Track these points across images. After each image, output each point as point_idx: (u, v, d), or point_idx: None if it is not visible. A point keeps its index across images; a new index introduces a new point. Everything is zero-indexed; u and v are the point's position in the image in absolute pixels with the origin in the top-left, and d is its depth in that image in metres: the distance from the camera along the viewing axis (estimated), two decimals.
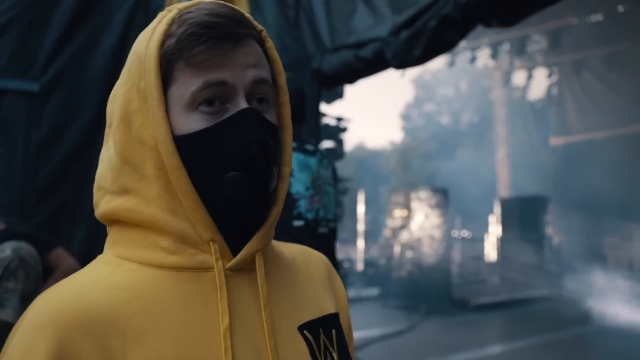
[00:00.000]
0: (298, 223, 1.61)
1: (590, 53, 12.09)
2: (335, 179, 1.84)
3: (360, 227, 12.57)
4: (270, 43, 0.62)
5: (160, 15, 0.59)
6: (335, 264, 1.83)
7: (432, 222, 9.12)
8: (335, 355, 0.61)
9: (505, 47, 11.91)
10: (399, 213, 9.32)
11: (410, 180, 18.28)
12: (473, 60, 12.01)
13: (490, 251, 12.85)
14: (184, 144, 0.54)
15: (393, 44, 2.52)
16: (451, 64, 12.00)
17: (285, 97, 0.63)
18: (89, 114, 3.02)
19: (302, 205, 1.59)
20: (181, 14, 0.56)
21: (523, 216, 11.47)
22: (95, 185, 0.62)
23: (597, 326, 7.35)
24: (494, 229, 12.83)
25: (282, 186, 0.61)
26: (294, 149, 1.69)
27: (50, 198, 2.86)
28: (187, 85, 0.54)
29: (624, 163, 11.78)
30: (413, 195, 9.17)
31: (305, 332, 0.59)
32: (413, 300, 8.36)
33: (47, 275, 1.87)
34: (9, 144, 2.76)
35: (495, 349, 6.26)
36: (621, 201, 11.42)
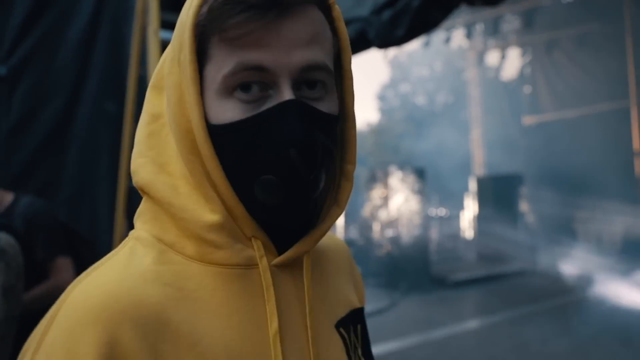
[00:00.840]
0: None
1: (562, 33, 12.28)
2: None
3: None
4: (337, 12, 0.51)
5: None
6: None
7: (409, 201, 9.23)
8: (359, 352, 0.58)
9: (480, 27, 11.97)
10: (377, 193, 9.40)
11: (388, 160, 18.42)
12: (448, 40, 12.05)
13: (467, 229, 13.14)
14: (217, 134, 0.47)
15: (375, 23, 2.49)
16: (426, 44, 12.00)
17: (349, 82, 0.52)
18: (61, 98, 2.91)
19: None
20: None
21: (498, 194, 11.73)
22: (134, 149, 0.53)
23: (571, 298, 7.64)
24: (470, 207, 13.08)
25: (346, 186, 0.54)
26: None
27: (24, 186, 2.76)
28: (220, 65, 0.46)
29: (595, 141, 12.12)
30: (391, 175, 9.25)
31: (341, 329, 0.56)
32: (393, 279, 8.51)
33: (40, 276, 1.83)
34: None
35: (474, 323, 6.45)
36: (592, 178, 11.77)
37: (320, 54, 0.47)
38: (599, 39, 11.70)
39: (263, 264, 0.49)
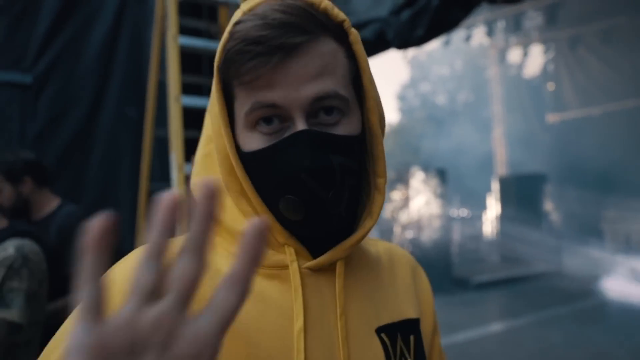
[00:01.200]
0: None
1: (586, 28, 11.98)
2: None
3: None
4: (354, 36, 0.54)
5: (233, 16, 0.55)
6: None
7: (430, 202, 9.13)
8: None
9: (501, 24, 11.77)
10: (397, 194, 9.32)
11: (408, 161, 18.28)
12: (468, 38, 11.88)
13: (489, 229, 12.92)
14: (246, 160, 0.54)
15: (394, 24, 2.46)
16: (446, 43, 11.86)
17: (371, 102, 0.56)
18: (84, 104, 2.97)
19: None
20: (237, 21, 0.52)
21: (521, 194, 11.50)
22: (195, 166, 0.61)
23: (597, 301, 7.44)
24: (493, 207, 12.88)
25: (378, 198, 0.58)
26: None
27: None
28: (242, 104, 0.53)
29: (620, 138, 11.80)
30: (411, 176, 9.16)
31: (383, 334, 0.58)
32: None
33: (67, 287, 1.83)
34: (4, 138, 2.71)
35: (497, 326, 6.33)
36: (619, 176, 11.45)
37: (330, 84, 0.51)
38: (625, 33, 11.36)
39: (293, 267, 0.55)
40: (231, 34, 0.51)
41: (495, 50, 14.34)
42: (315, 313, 0.54)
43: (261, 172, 0.53)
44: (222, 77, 0.53)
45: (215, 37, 2.66)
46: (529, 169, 13.14)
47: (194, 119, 2.88)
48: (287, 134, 0.51)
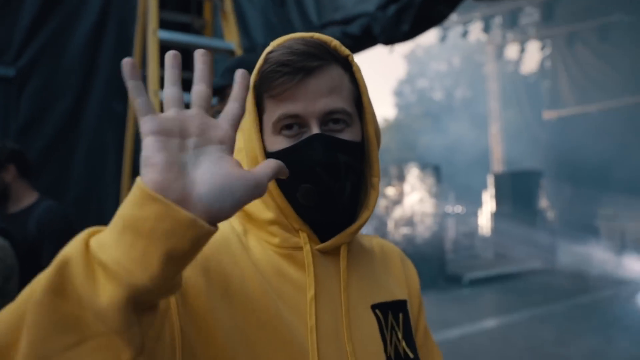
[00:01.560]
0: None
1: (583, 25, 11.96)
2: None
3: None
4: (355, 66, 0.71)
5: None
6: None
7: (424, 198, 9.12)
8: (399, 335, 0.73)
9: (497, 20, 11.74)
10: (392, 190, 9.31)
11: (404, 157, 18.25)
12: (465, 34, 11.84)
13: (484, 226, 12.93)
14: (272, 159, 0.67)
15: (380, 19, 2.43)
16: (443, 38, 11.82)
17: (368, 116, 0.72)
18: (69, 99, 2.93)
19: None
20: (270, 51, 0.68)
21: (516, 190, 11.50)
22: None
23: (590, 298, 7.45)
24: (488, 204, 12.88)
25: (373, 194, 0.73)
26: None
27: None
28: (270, 115, 0.68)
29: (618, 135, 11.80)
30: (406, 172, 9.15)
31: (377, 310, 0.72)
32: None
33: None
34: None
35: (490, 323, 6.34)
36: (615, 174, 11.47)
37: (338, 101, 0.67)
38: (622, 29, 11.34)
39: (306, 248, 0.68)
40: (265, 59, 0.67)
41: (493, 47, 14.30)
42: (323, 287, 0.68)
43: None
44: (256, 93, 0.69)
45: (201, 31, 2.62)
46: (525, 166, 13.13)
47: None
48: (304, 137, 0.66)
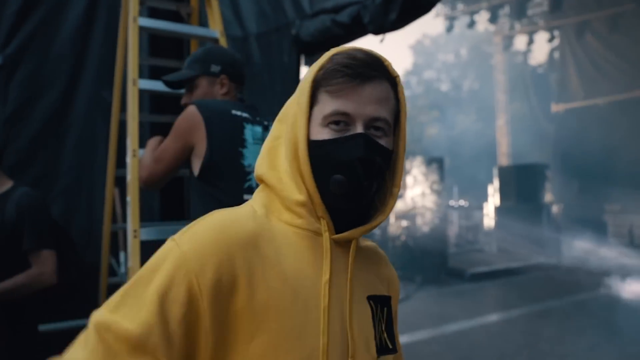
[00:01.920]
0: (248, 197, 1.56)
1: (593, 15, 11.70)
2: None
3: None
4: (401, 87, 0.80)
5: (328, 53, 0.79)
6: None
7: (427, 191, 9.04)
8: (383, 326, 0.82)
9: (505, 10, 11.53)
10: None
11: (409, 149, 18.12)
12: (472, 24, 11.65)
13: (488, 220, 12.82)
14: (314, 147, 0.76)
15: (370, 7, 2.36)
16: (449, 28, 11.65)
17: (402, 132, 0.80)
18: (58, 87, 2.89)
19: (254, 179, 1.53)
20: (335, 53, 0.76)
21: (521, 184, 11.37)
22: (260, 156, 0.83)
23: (594, 295, 7.37)
24: (492, 198, 12.76)
25: (391, 201, 0.80)
26: (251, 122, 1.72)
27: (21, 176, 2.76)
28: (323, 108, 0.75)
29: (628, 129, 11.58)
30: (409, 164, 9.07)
31: (371, 301, 0.81)
32: (408, 271, 8.37)
33: (24, 265, 1.84)
34: None
35: (491, 317, 6.29)
36: (624, 168, 11.29)
37: (383, 112, 0.75)
38: (632, 20, 11.08)
39: (326, 235, 0.76)
40: (329, 59, 0.75)
41: (500, 37, 14.09)
42: (335, 272, 0.75)
43: (324, 155, 0.74)
44: (313, 85, 0.76)
45: (187, 19, 2.57)
46: (532, 159, 12.96)
47: (162, 104, 2.81)
48: (349, 133, 0.73)
